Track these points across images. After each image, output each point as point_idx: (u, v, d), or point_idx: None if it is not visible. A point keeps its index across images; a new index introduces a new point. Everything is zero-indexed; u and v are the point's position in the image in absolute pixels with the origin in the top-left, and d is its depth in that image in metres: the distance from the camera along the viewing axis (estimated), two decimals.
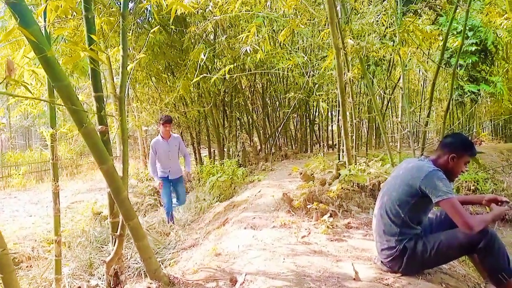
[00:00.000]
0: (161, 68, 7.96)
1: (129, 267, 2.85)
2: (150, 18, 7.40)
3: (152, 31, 3.64)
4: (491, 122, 9.54)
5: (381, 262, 2.76)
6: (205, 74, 6.51)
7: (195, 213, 5.67)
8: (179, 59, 7.50)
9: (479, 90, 7.32)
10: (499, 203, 2.61)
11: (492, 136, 9.92)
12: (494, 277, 2.39)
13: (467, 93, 7.37)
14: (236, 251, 3.26)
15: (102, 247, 4.10)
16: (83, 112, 1.90)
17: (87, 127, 1.91)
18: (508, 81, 7.85)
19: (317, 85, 7.17)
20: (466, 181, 5.91)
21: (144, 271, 2.44)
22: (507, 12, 5.35)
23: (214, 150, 8.88)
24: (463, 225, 2.32)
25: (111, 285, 2.31)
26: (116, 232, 2.39)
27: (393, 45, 5.11)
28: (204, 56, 5.23)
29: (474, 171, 6.23)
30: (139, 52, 5.71)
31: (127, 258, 3.17)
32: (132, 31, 6.77)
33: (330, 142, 10.07)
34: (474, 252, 2.44)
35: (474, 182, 6.04)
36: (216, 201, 6.01)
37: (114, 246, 2.41)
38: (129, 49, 6.55)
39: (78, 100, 1.92)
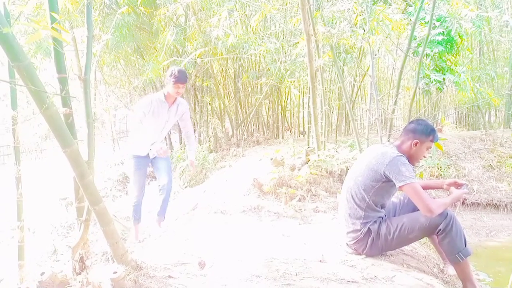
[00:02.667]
0: (129, 51, 7.75)
1: (95, 252, 2.81)
2: None
3: (119, 11, 3.54)
4: (455, 111, 9.88)
5: (347, 244, 2.85)
6: (175, 58, 6.41)
7: None
8: (148, 41, 7.32)
9: (444, 79, 7.54)
10: (458, 187, 2.73)
11: (456, 124, 10.31)
12: (452, 257, 2.52)
13: (433, 82, 7.58)
14: (206, 236, 3.28)
15: (68, 233, 4.02)
16: (44, 93, 1.83)
17: (49, 109, 1.85)
18: (472, 71, 8.13)
19: (289, 72, 7.19)
20: (430, 167, 6.14)
21: (112, 256, 2.41)
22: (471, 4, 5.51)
23: None
24: (424, 209, 2.42)
25: (76, 270, 2.28)
26: (82, 217, 2.35)
27: (363, 33, 5.18)
28: (171, 37, 5.10)
29: (438, 157, 6.47)
30: (107, 34, 5.54)
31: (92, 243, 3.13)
32: (100, 11, 6.54)
33: (301, 129, 10.17)
34: (434, 234, 2.56)
35: (438, 168, 6.28)
36: (186, 187, 5.99)
37: (79, 231, 2.37)
38: (95, 30, 6.33)
39: (40, 81, 1.85)
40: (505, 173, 6.39)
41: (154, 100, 3.74)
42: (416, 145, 2.61)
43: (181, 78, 3.62)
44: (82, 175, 2.08)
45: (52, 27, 1.90)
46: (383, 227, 2.65)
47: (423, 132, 2.61)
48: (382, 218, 2.72)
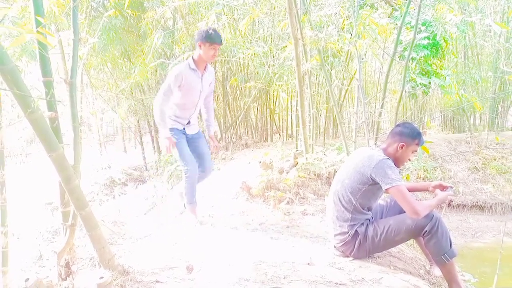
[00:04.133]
0: (117, 54, 7.69)
1: (81, 257, 2.78)
2: (105, 1, 7.11)
3: (106, 14, 3.52)
4: (441, 114, 10.02)
5: (334, 247, 2.86)
6: (163, 60, 6.39)
7: (151, 202, 5.57)
8: (136, 44, 7.28)
9: (430, 82, 7.65)
10: (443, 189, 2.77)
11: (441, 127, 10.46)
12: (438, 258, 2.56)
13: (419, 86, 7.69)
14: (194, 240, 3.27)
15: (54, 238, 3.96)
16: (29, 97, 1.81)
17: (34, 113, 1.83)
18: (457, 75, 8.27)
19: (277, 75, 7.22)
20: (416, 169, 6.22)
21: (98, 261, 2.39)
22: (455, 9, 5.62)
23: None
24: (410, 211, 2.45)
25: (62, 276, 2.25)
26: (68, 222, 2.32)
27: (350, 37, 5.24)
28: (159, 40, 5.07)
29: (424, 160, 6.55)
30: (94, 37, 5.50)
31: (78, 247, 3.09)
32: (86, 14, 6.48)
33: (290, 132, 10.20)
34: (420, 236, 2.59)
35: (424, 171, 6.37)
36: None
37: (65, 236, 2.34)
38: (82, 33, 6.28)
39: (25, 85, 1.83)
40: (489, 175, 6.50)
41: (183, 69, 3.24)
42: (402, 148, 2.64)
43: (218, 38, 3.20)
44: (68, 179, 2.06)
45: (37, 31, 1.88)
46: (370, 230, 2.68)
47: (409, 135, 2.65)
48: (369, 220, 2.74)
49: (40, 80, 2.23)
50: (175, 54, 7.74)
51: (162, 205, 5.23)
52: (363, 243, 2.69)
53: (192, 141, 3.56)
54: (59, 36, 4.49)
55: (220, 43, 3.24)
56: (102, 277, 1.99)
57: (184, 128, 3.50)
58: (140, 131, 8.81)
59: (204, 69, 3.39)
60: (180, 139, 3.41)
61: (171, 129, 3.38)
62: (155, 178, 6.96)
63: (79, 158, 2.33)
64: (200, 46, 3.22)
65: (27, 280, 2.06)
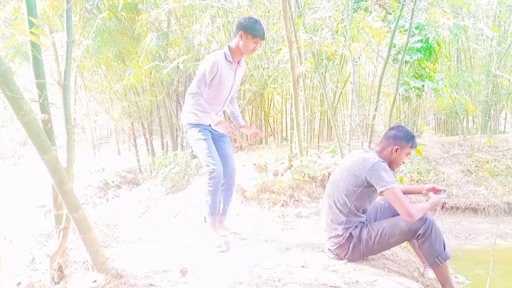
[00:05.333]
0: (111, 56, 7.66)
1: (74, 261, 2.76)
2: (100, 3, 7.09)
3: (100, 16, 3.51)
4: (434, 117, 10.09)
5: (329, 249, 2.87)
6: (157, 63, 6.37)
7: (145, 205, 5.54)
8: (130, 46, 7.26)
9: (423, 86, 7.70)
10: (437, 192, 2.79)
11: (435, 130, 10.52)
12: (431, 261, 2.57)
13: (412, 89, 7.73)
14: (187, 242, 3.25)
15: (46, 241, 3.93)
16: (22, 99, 1.80)
17: (27, 115, 1.82)
18: (449, 78, 8.33)
19: (271, 78, 7.23)
20: (410, 172, 6.25)
21: (92, 265, 2.37)
22: (448, 13, 5.66)
23: (167, 141, 8.72)
24: (404, 213, 2.46)
25: (54, 279, 2.23)
26: (61, 225, 2.31)
27: (344, 40, 5.26)
28: (152, 42, 5.05)
29: (418, 162, 6.59)
30: (87, 39, 5.47)
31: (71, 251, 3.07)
32: (80, 16, 6.45)
33: (284, 134, 10.22)
34: (414, 238, 2.60)
35: (418, 173, 6.40)
36: (168, 193, 5.93)
37: (58, 239, 2.32)
38: (76, 35, 6.25)
39: (17, 87, 1.82)
40: (482, 177, 6.55)
41: (220, 59, 2.91)
42: (396, 151, 2.66)
43: (263, 31, 2.92)
44: (61, 182, 2.04)
45: (30, 32, 1.87)
46: (364, 232, 2.68)
47: (403, 138, 2.66)
48: (363, 223, 2.75)
49: (33, 82, 2.21)
50: (170, 57, 7.73)
51: (156, 208, 5.21)
52: (357, 245, 2.70)
53: (216, 141, 3.17)
54: (53, 37, 4.46)
55: (264, 37, 2.97)
56: (95, 281, 1.97)
57: (210, 125, 3.09)
58: (134, 133, 8.77)
59: (238, 62, 3.08)
60: (207, 135, 3.07)
61: (195, 125, 3.05)
62: (149, 181, 6.93)
63: (72, 160, 2.32)
64: (241, 36, 2.89)
65: (19, 284, 2.04)
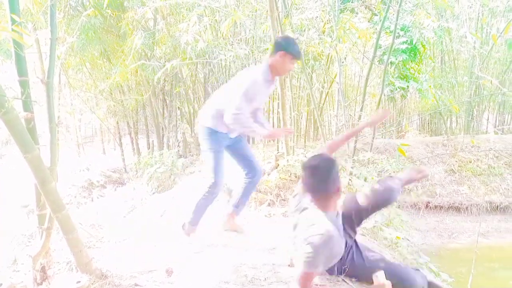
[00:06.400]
0: (96, 54, 7.57)
1: (58, 261, 2.71)
2: (85, 0, 6.99)
3: (85, 13, 3.46)
4: (418, 117, 10.23)
5: None
6: (143, 61, 6.32)
7: (131, 205, 5.49)
8: (116, 44, 7.18)
9: (408, 86, 7.81)
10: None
11: (419, 130, 10.67)
12: None
13: (397, 89, 7.84)
14: (173, 243, 3.23)
15: (29, 242, 3.86)
16: (4, 97, 1.77)
17: (9, 113, 1.78)
18: (433, 79, 8.46)
19: None
20: (394, 172, 6.31)
21: (75, 265, 2.34)
22: (433, 15, 5.76)
23: (152, 140, 8.65)
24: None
25: (37, 280, 2.19)
26: (44, 225, 2.27)
27: (331, 41, 5.30)
28: (139, 40, 5.01)
29: (402, 162, 6.67)
30: (72, 36, 5.39)
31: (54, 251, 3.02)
32: (65, 13, 6.35)
33: None
34: None
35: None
36: (154, 193, 5.89)
37: (41, 239, 2.29)
38: (60, 32, 6.15)
39: None
40: (465, 177, 6.67)
41: (260, 79, 2.90)
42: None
43: (300, 53, 2.98)
44: (44, 181, 2.01)
45: (13, 29, 1.83)
46: (356, 256, 2.41)
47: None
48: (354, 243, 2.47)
49: (15, 80, 2.17)
50: (156, 55, 7.67)
51: (142, 208, 5.17)
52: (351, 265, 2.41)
53: (234, 145, 3.16)
54: (36, 35, 4.37)
55: (299, 58, 3.01)
56: (79, 282, 1.95)
57: (228, 132, 3.06)
58: (119, 133, 8.68)
59: (273, 78, 3.05)
60: (220, 147, 3.05)
61: (213, 131, 2.99)
62: (135, 180, 6.87)
63: (56, 159, 2.28)
64: (281, 56, 2.87)
65: (0, 285, 2.00)
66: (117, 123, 8.52)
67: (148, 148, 8.33)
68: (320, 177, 2.07)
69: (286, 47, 2.87)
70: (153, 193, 5.87)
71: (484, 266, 4.16)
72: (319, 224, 2.06)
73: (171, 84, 8.24)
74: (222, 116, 2.91)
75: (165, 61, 5.88)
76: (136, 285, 2.29)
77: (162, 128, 8.28)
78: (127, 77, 7.18)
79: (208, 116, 3.02)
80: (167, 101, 8.40)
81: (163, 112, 8.37)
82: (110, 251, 3.30)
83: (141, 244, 3.26)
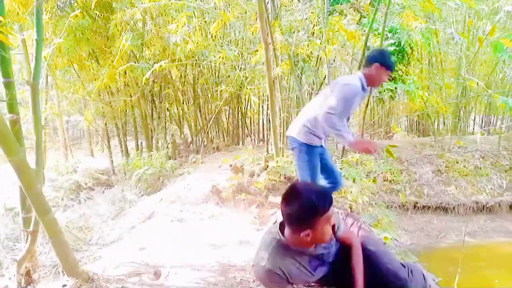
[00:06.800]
0: (84, 55, 7.49)
1: (44, 265, 2.68)
2: (72, 1, 6.91)
3: (72, 14, 3.43)
4: (406, 118, 10.32)
5: None
6: (132, 63, 6.27)
7: (119, 207, 5.43)
8: (104, 46, 7.11)
9: (396, 88, 7.88)
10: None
11: (407, 131, 10.77)
12: None
13: (385, 91, 7.91)
14: (162, 245, 3.21)
15: (14, 245, 3.79)
16: None
17: None
18: (421, 81, 8.55)
19: (248, 79, 7.24)
20: (382, 172, 6.37)
21: (62, 269, 2.31)
22: (420, 17, 5.82)
23: (141, 142, 8.59)
24: None
25: (22, 284, 2.16)
26: (29, 228, 2.24)
27: (320, 42, 5.32)
28: (127, 41, 4.96)
29: (390, 163, 6.73)
30: (59, 37, 5.33)
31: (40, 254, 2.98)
32: (52, 14, 6.28)
33: (262, 135, 10.24)
34: None
35: (391, 174, 6.53)
36: (143, 195, 5.84)
37: (26, 243, 2.25)
38: (47, 33, 6.08)
39: None
40: (452, 177, 6.75)
41: (359, 89, 2.96)
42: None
43: (394, 65, 3.06)
44: (29, 184, 1.99)
45: None
46: None
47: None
48: None
49: (0, 82, 2.15)
50: (145, 57, 7.62)
51: (130, 210, 5.12)
52: None
53: (321, 156, 3.23)
54: (23, 36, 4.31)
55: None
56: (65, 285, 1.93)
57: (321, 145, 3.15)
58: (108, 134, 8.60)
59: (367, 88, 3.13)
60: (317, 159, 3.14)
61: (306, 145, 3.06)
62: (123, 182, 6.81)
63: (42, 162, 2.25)
64: (377, 68, 2.96)
65: None
66: (106, 124, 8.44)
67: (137, 150, 8.27)
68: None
69: (381, 60, 2.96)
70: (142, 195, 5.82)
71: (471, 265, 4.21)
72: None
73: (160, 85, 8.20)
74: (316, 130, 3.02)
75: (154, 62, 5.84)
76: None
77: (151, 129, 8.23)
78: (115, 79, 7.12)
79: (301, 131, 3.08)
80: (156, 103, 8.35)
81: (152, 113, 8.32)
82: (98, 254, 3.27)
83: (129, 247, 3.23)
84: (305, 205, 1.56)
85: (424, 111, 7.97)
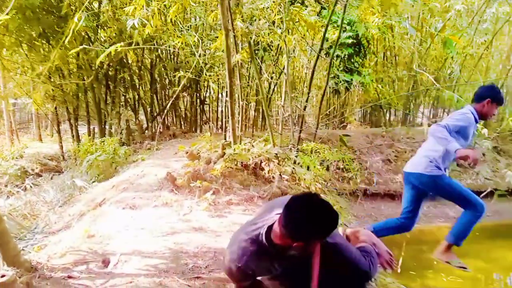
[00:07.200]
0: (34, 35, 7.06)
1: None
2: None
3: None
4: (360, 109, 10.63)
5: None
6: (86, 46, 6.00)
7: (68, 194, 5.22)
8: (56, 26, 6.75)
9: (352, 79, 8.09)
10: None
11: (361, 121, 11.11)
12: None
13: (342, 82, 8.10)
14: (112, 232, 3.14)
15: None
16: None
17: None
18: (376, 73, 8.83)
19: (208, 66, 7.15)
20: (335, 161, 6.53)
21: (2, 258, 2.20)
22: (378, 11, 5.98)
23: (94, 128, 8.27)
24: None
25: None
26: None
27: (280, 32, 5.34)
28: (80, 21, 4.72)
29: (343, 152, 6.92)
30: (5, 14, 4.98)
31: None
32: None
33: (220, 123, 10.19)
34: None
35: (343, 162, 6.72)
36: (94, 182, 5.65)
37: None
38: None
39: None
40: (401, 166, 7.03)
41: (471, 119, 3.20)
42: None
43: (503, 99, 3.37)
44: None
45: None
46: None
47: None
48: None
49: None
50: (100, 39, 7.31)
51: (80, 197, 4.95)
52: None
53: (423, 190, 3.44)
54: None
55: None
56: (4, 276, 1.84)
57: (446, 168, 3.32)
58: (58, 119, 8.23)
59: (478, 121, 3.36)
60: (452, 181, 3.30)
61: (439, 177, 3.20)
62: (73, 169, 6.55)
63: None
64: (488, 103, 3.22)
65: None
66: (56, 108, 8.05)
67: (89, 136, 7.96)
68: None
69: (493, 97, 3.22)
70: (93, 182, 5.63)
71: (414, 249, 4.46)
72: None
73: (115, 69, 7.92)
74: (439, 160, 3.20)
75: (110, 45, 5.62)
76: (69, 277, 2.20)
77: (105, 114, 7.96)
78: (67, 60, 6.79)
79: (428, 166, 3.23)
80: (111, 87, 8.07)
81: (106, 98, 8.03)
82: (43, 242, 3.15)
83: (77, 235, 3.13)
84: (320, 223, 1.53)
85: (377, 102, 8.25)
